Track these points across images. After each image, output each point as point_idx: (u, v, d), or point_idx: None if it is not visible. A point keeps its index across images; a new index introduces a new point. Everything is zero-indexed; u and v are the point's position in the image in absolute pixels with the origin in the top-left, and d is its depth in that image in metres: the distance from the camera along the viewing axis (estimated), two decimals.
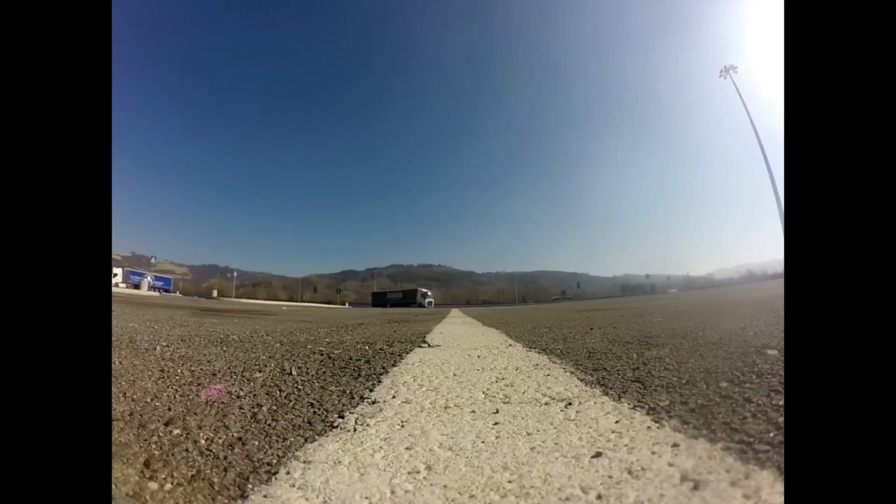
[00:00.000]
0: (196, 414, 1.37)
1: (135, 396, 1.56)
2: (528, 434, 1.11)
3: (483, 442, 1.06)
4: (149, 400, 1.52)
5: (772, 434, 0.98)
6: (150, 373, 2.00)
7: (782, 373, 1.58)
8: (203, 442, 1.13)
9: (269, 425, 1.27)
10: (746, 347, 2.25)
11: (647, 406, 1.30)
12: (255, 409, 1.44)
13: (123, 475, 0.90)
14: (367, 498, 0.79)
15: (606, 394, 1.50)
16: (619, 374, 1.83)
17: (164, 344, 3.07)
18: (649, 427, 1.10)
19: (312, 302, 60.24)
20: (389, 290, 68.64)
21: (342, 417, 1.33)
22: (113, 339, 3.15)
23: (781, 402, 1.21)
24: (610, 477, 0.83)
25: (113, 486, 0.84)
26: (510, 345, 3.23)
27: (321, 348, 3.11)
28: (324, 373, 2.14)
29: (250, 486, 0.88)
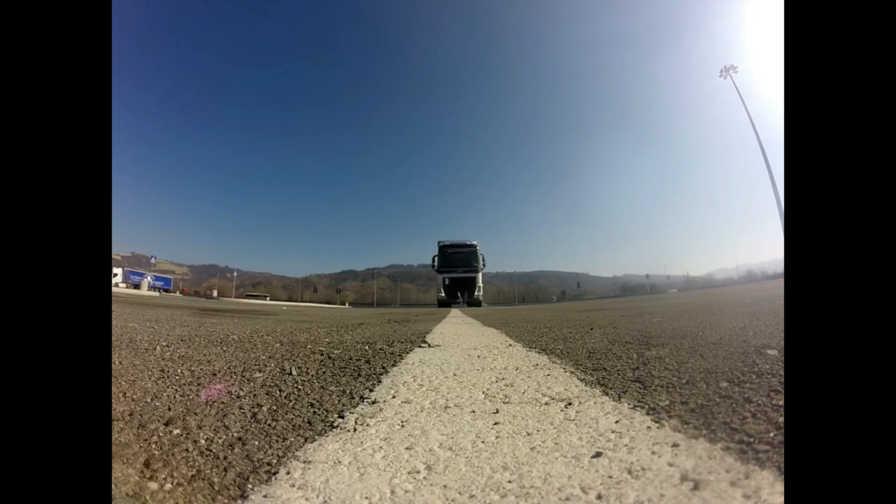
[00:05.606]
0: (196, 414, 1.37)
1: (135, 396, 1.56)
2: (528, 434, 1.11)
3: (483, 442, 1.06)
4: (149, 400, 1.52)
5: (772, 434, 0.98)
6: (150, 373, 2.00)
7: (782, 373, 1.58)
8: (203, 442, 1.13)
9: (269, 425, 1.27)
10: (746, 347, 2.25)
11: (647, 406, 1.30)
12: (255, 409, 1.44)
13: (123, 475, 0.90)
14: (367, 498, 0.79)
15: (606, 394, 1.50)
16: (619, 374, 1.82)
17: (164, 344, 3.07)
18: (649, 427, 1.10)
19: (312, 302, 60.17)
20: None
21: (342, 417, 1.33)
22: (113, 339, 3.15)
23: (781, 402, 1.21)
24: (610, 477, 0.82)
25: (113, 486, 0.84)
26: (510, 345, 3.22)
27: (321, 348, 3.11)
28: (324, 373, 2.13)
29: (250, 485, 0.88)
